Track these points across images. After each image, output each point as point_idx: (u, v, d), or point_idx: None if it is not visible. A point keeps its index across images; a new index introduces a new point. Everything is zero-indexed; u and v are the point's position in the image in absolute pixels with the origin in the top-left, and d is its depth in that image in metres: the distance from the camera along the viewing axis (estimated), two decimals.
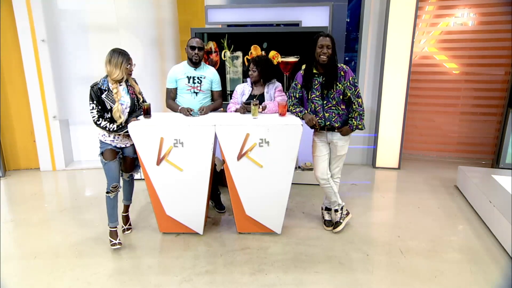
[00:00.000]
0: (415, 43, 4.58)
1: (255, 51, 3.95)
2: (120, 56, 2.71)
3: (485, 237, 3.09)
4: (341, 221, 3.15)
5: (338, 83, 2.82)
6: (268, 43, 3.92)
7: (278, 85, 3.26)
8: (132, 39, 4.50)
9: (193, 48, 3.11)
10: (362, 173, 4.74)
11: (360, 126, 2.87)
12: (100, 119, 2.74)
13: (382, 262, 2.74)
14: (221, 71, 4.01)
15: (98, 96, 2.72)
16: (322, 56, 2.75)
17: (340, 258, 2.78)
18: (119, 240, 2.92)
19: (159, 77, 4.66)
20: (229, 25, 4.25)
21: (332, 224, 3.20)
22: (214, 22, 4.24)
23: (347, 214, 3.22)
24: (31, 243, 3.04)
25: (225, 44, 3.98)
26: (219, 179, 3.63)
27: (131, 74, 2.87)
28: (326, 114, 2.88)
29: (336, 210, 3.19)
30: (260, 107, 3.06)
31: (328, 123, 2.89)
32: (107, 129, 2.75)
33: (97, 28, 4.53)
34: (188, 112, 3.01)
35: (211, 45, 4.00)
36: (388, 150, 4.83)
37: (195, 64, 3.18)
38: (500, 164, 4.71)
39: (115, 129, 2.76)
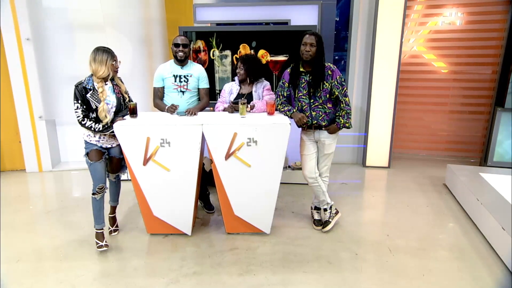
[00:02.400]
0: (404, 42, 4.60)
1: (244, 50, 3.92)
2: (104, 53, 2.67)
3: (472, 234, 3.11)
4: (330, 220, 3.14)
5: (325, 82, 2.81)
6: (257, 42, 3.90)
7: (266, 84, 3.23)
8: (119, 38, 4.44)
9: (177, 45, 3.07)
10: (352, 172, 4.75)
11: (347, 125, 2.86)
12: (85, 119, 2.69)
13: (370, 261, 2.73)
14: (210, 70, 3.98)
15: (83, 96, 2.67)
16: (305, 54, 2.75)
17: (329, 257, 2.77)
18: (105, 242, 2.87)
19: (147, 76, 4.61)
20: (217, 24, 4.22)
21: (322, 224, 3.19)
22: (203, 20, 4.20)
23: (336, 213, 3.22)
24: (14, 246, 2.97)
25: (214, 43, 3.95)
26: (208, 179, 3.59)
27: (117, 72, 2.83)
28: (313, 113, 2.87)
29: (325, 209, 3.17)
30: (249, 106, 3.04)
31: (315, 121, 2.88)
32: (92, 129, 2.70)
33: (83, 27, 4.45)
34: (172, 108, 2.96)
35: (200, 44, 3.96)
36: (378, 149, 4.84)
37: (181, 62, 3.14)
38: (488, 162, 4.76)
39: (100, 129, 2.71)
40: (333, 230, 3.15)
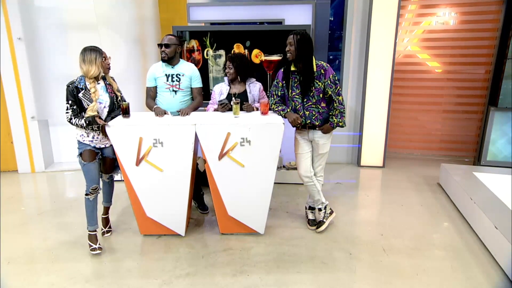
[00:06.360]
0: (398, 42, 4.61)
1: (238, 49, 3.91)
2: (92, 52, 2.64)
3: (466, 234, 3.12)
4: (324, 220, 3.13)
5: (317, 81, 2.80)
6: (251, 42, 3.89)
7: (260, 85, 3.25)
8: (113, 38, 4.40)
9: (159, 46, 3.06)
10: (347, 172, 4.75)
11: (340, 124, 2.85)
12: (73, 118, 2.65)
13: (365, 261, 2.73)
14: (204, 69, 3.96)
15: (74, 95, 2.64)
16: (287, 53, 2.77)
17: (323, 257, 2.76)
18: (99, 244, 2.84)
19: (141, 76, 4.58)
20: (211, 23, 4.20)
21: (316, 223, 3.18)
22: (197, 20, 4.18)
23: (331, 213, 3.21)
24: (5, 248, 2.93)
25: (208, 42, 3.93)
26: (202, 180, 3.57)
27: (109, 69, 2.80)
28: (307, 112, 2.86)
29: (319, 209, 3.17)
30: (254, 107, 3.11)
31: (309, 121, 2.87)
32: (80, 125, 2.65)
33: (76, 27, 4.41)
34: (161, 114, 2.93)
35: (194, 43, 3.94)
36: (373, 149, 4.85)
37: (167, 61, 3.10)
38: (482, 162, 4.78)
39: (84, 124, 2.63)
40: (327, 230, 3.15)
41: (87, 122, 2.64)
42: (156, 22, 4.70)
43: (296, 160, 3.09)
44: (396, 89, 4.94)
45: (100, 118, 2.68)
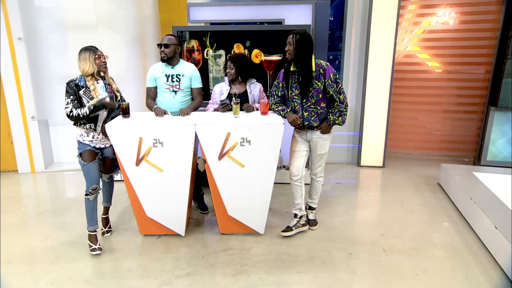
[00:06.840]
0: (398, 42, 4.61)
1: (238, 49, 3.91)
2: (86, 51, 2.67)
3: (466, 233, 3.12)
4: (293, 229, 3.04)
5: (316, 82, 2.77)
6: (251, 42, 3.89)
7: (260, 86, 3.25)
8: (113, 38, 4.40)
9: (159, 46, 3.06)
10: (346, 172, 4.75)
11: (337, 122, 2.82)
12: (74, 110, 2.63)
13: (364, 261, 2.73)
14: (204, 70, 3.96)
15: (75, 91, 2.65)
16: (286, 53, 2.77)
17: (323, 257, 2.76)
18: (99, 245, 2.84)
19: (141, 76, 4.58)
20: (211, 23, 4.20)
21: (316, 223, 3.18)
22: (197, 20, 4.18)
23: (304, 225, 3.11)
24: (4, 247, 2.93)
25: (208, 42, 3.93)
26: (202, 180, 3.57)
27: (106, 67, 2.78)
28: (305, 113, 2.84)
29: (295, 215, 3.09)
30: (254, 107, 3.10)
31: (307, 122, 2.85)
32: (80, 116, 2.63)
33: (76, 26, 4.41)
34: (161, 114, 2.93)
35: (193, 43, 3.94)
36: (373, 149, 4.85)
37: (166, 61, 3.09)
38: (482, 162, 4.78)
39: (87, 112, 2.62)
40: (327, 230, 3.15)
41: (91, 108, 2.63)
42: (156, 22, 4.70)
43: (290, 158, 3.05)
44: (396, 89, 4.94)
45: (105, 99, 2.69)
